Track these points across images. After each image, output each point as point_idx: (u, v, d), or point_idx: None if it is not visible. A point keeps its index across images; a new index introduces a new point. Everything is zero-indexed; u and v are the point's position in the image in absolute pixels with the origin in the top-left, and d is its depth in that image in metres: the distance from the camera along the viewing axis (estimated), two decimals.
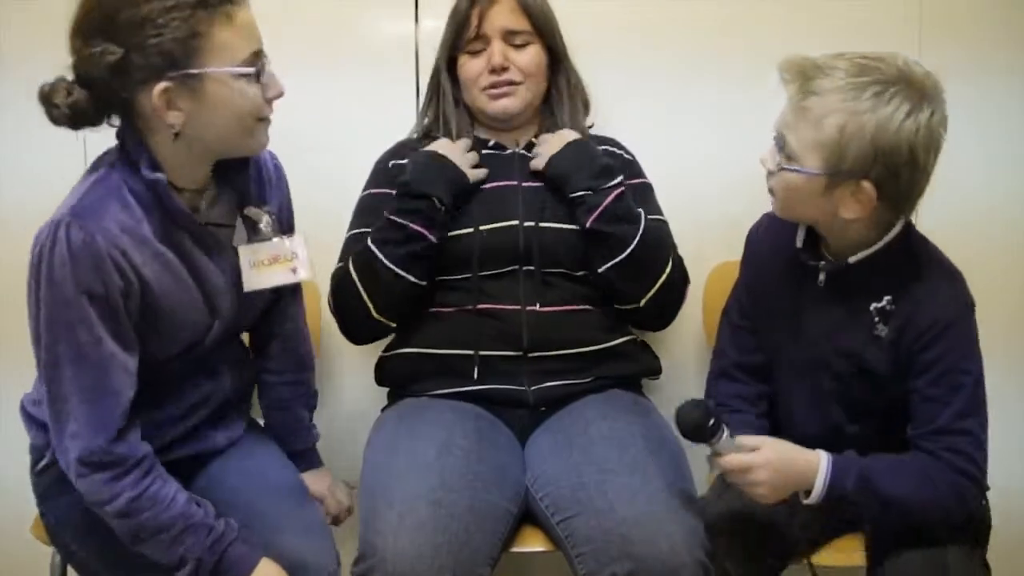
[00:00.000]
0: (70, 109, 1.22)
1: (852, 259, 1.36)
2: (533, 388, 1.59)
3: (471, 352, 1.59)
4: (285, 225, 1.48)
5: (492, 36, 1.63)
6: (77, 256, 1.19)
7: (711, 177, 1.94)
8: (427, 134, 1.73)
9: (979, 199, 1.94)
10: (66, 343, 1.22)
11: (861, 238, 1.35)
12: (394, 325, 1.64)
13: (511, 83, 1.64)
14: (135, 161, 1.27)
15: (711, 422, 1.31)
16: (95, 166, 1.31)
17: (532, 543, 1.49)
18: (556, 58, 1.69)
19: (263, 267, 1.40)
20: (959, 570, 1.34)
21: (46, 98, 1.23)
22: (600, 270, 1.59)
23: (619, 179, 1.60)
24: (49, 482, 1.41)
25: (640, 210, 1.61)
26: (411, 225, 1.55)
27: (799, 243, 1.43)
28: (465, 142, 1.66)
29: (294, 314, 1.59)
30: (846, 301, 1.39)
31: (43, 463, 1.42)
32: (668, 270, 1.60)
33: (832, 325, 1.40)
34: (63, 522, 1.40)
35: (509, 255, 1.59)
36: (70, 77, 1.23)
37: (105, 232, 1.22)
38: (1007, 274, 1.95)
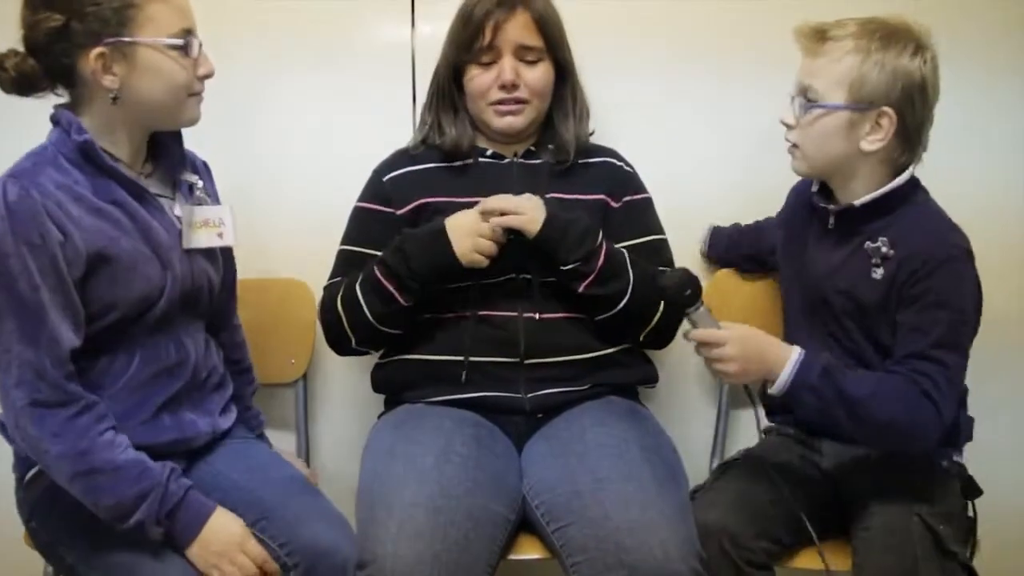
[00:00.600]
0: (17, 73, 1.33)
1: (858, 202, 1.48)
2: (529, 395, 1.59)
3: (467, 358, 1.59)
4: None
5: (504, 50, 1.60)
6: (14, 209, 1.27)
7: (711, 184, 1.94)
8: (424, 141, 1.70)
9: (979, 195, 1.94)
10: (7, 294, 1.27)
11: (872, 182, 1.47)
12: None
13: (519, 101, 1.62)
14: (65, 130, 1.35)
15: (688, 291, 1.40)
16: (27, 154, 1.38)
17: (529, 551, 1.49)
18: (563, 73, 1.67)
19: (196, 228, 1.49)
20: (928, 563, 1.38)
21: None
22: (596, 319, 1.61)
23: (600, 237, 1.58)
24: (39, 494, 1.41)
25: (625, 256, 1.60)
26: (386, 285, 1.55)
27: (814, 188, 1.57)
28: (490, 229, 1.54)
29: (235, 302, 1.69)
30: (849, 243, 1.50)
31: (31, 473, 1.43)
32: (661, 309, 1.61)
33: (834, 265, 1.52)
34: (56, 534, 1.41)
35: (506, 262, 1.58)
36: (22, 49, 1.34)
37: (40, 187, 1.29)
38: (1001, 276, 1.98)
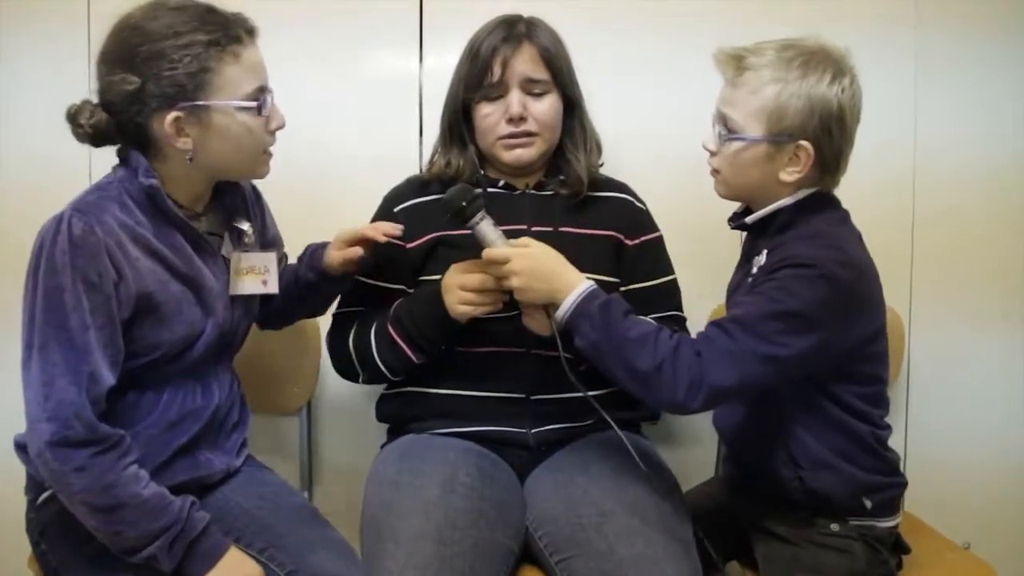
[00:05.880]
0: (92, 129, 1.35)
1: (749, 219, 1.48)
2: (534, 431, 1.61)
3: (473, 393, 1.61)
4: (266, 241, 1.60)
5: (511, 84, 1.60)
6: (77, 245, 1.27)
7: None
8: (435, 173, 1.69)
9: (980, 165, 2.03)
10: (59, 327, 1.27)
11: None
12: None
13: (528, 134, 1.62)
14: (134, 170, 1.37)
15: (464, 203, 1.45)
16: (89, 189, 1.40)
17: None
18: (571, 104, 1.68)
19: (241, 275, 1.51)
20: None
21: (72, 118, 1.36)
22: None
23: None
24: (50, 517, 1.41)
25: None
26: (401, 344, 1.58)
27: (735, 211, 1.55)
28: (479, 282, 1.51)
29: None
30: (746, 263, 1.51)
31: (44, 496, 1.43)
32: None
33: (735, 286, 1.53)
34: (65, 559, 1.41)
35: (514, 300, 1.55)
36: (95, 100, 1.36)
37: (104, 225, 1.31)
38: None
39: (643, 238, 1.71)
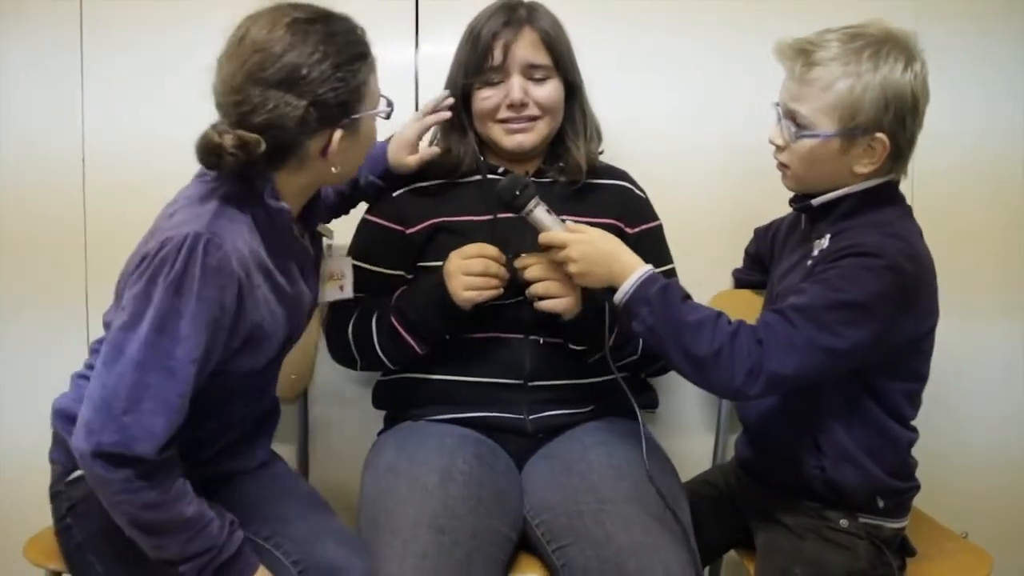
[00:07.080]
0: (245, 154, 1.24)
1: (814, 202, 1.45)
2: (532, 417, 1.60)
3: (471, 379, 1.60)
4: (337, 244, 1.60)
5: (512, 69, 1.59)
6: (210, 273, 1.20)
7: (721, 216, 1.97)
8: (438, 163, 1.67)
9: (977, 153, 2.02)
10: (164, 353, 1.20)
11: None
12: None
13: (530, 118, 1.61)
14: (259, 192, 1.30)
15: (517, 192, 1.46)
16: (207, 194, 1.30)
17: (529, 570, 1.49)
18: (571, 90, 1.66)
19: (324, 281, 1.50)
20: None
21: (215, 148, 1.23)
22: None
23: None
24: (82, 495, 1.35)
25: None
26: (402, 333, 1.57)
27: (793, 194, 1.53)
28: (483, 266, 1.53)
29: None
30: (804, 244, 1.49)
31: (78, 472, 1.35)
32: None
33: (790, 267, 1.51)
34: (92, 539, 1.37)
35: (514, 285, 1.56)
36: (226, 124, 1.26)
37: (238, 254, 1.25)
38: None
39: (643, 226, 1.70)
